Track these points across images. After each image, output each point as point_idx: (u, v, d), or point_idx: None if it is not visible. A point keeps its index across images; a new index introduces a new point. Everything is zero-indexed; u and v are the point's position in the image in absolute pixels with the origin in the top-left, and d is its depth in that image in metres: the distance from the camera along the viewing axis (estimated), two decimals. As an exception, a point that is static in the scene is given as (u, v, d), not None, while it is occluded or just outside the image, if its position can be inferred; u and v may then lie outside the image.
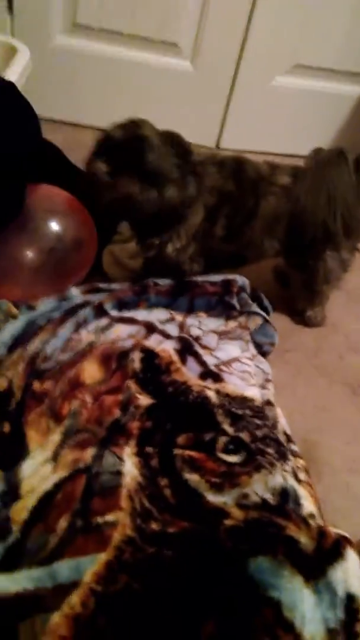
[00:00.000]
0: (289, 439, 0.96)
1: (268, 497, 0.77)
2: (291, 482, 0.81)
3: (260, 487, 0.77)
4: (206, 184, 1.08)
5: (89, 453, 0.77)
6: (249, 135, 1.90)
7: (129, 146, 0.98)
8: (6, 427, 0.83)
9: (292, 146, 1.91)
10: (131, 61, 1.70)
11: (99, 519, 0.70)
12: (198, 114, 1.83)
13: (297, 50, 1.72)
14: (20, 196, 1.02)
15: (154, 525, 0.71)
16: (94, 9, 1.59)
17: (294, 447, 0.95)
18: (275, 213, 1.12)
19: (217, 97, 1.80)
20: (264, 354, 1.14)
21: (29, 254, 1.03)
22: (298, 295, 1.28)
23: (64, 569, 0.65)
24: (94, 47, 1.67)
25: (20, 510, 0.72)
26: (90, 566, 0.65)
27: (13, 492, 0.74)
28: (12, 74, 1.22)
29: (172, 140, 1.03)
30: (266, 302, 1.20)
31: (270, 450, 0.84)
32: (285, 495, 0.79)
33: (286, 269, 1.32)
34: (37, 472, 0.76)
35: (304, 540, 0.74)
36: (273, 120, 1.88)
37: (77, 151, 1.66)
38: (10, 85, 1.10)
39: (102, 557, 0.67)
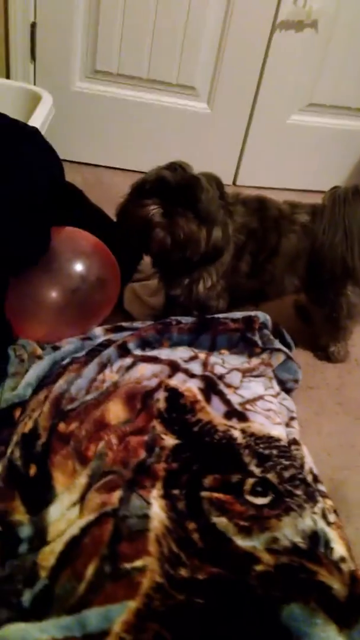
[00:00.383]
0: (316, 478, 0.94)
1: (298, 541, 0.75)
2: (321, 524, 0.80)
3: (290, 530, 0.76)
4: (237, 223, 1.11)
5: (116, 496, 0.77)
6: (265, 173, 1.93)
7: (185, 187, 1.00)
8: (32, 470, 0.83)
9: (307, 182, 1.94)
10: (149, 104, 1.75)
11: (128, 565, 0.69)
12: (215, 152, 1.87)
13: (311, 89, 1.76)
14: (45, 237, 1.04)
15: (183, 572, 0.70)
16: (112, 56, 1.65)
17: (322, 487, 0.93)
18: (295, 250, 1.14)
19: (233, 136, 1.84)
20: (287, 390, 1.13)
21: (53, 294, 1.04)
22: (321, 330, 1.28)
23: (93, 617, 0.64)
24: (113, 92, 1.73)
25: (48, 556, 0.71)
26: (119, 614, 0.64)
27: (40, 537, 0.74)
28: (37, 120, 1.27)
29: (217, 182, 1.06)
30: (288, 338, 1.20)
31: (298, 492, 0.83)
32: (316, 539, 0.77)
33: (307, 305, 1.32)
34: (64, 516, 0.76)
35: (337, 586, 0.72)
36: (289, 158, 1.91)
37: (97, 191, 1.70)
38: (35, 131, 1.14)
39: (132, 604, 0.65)
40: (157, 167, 1.05)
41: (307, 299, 1.28)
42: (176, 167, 1.02)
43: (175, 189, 1.00)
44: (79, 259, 1.07)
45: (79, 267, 1.07)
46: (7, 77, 1.63)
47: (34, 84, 1.64)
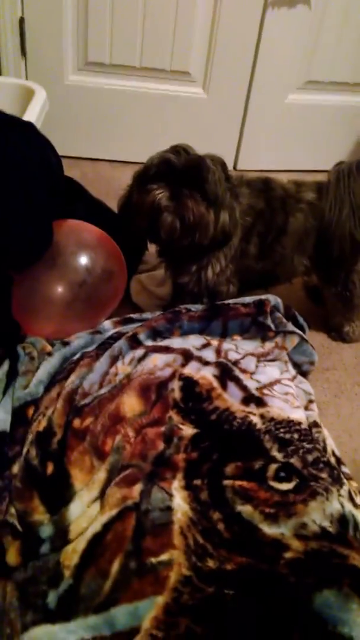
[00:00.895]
0: (339, 461, 0.92)
1: (327, 525, 0.73)
2: (349, 507, 0.77)
3: (318, 515, 0.73)
4: (243, 205, 1.08)
5: (136, 489, 0.75)
6: (265, 155, 1.90)
7: (191, 168, 0.98)
8: (50, 468, 0.81)
9: (309, 162, 1.90)
10: (144, 93, 1.72)
11: (153, 559, 0.67)
12: (214, 138, 1.83)
13: (308, 66, 1.72)
14: (47, 232, 1.02)
15: (211, 563, 0.68)
16: (104, 47, 1.62)
17: (345, 470, 0.91)
18: (304, 229, 1.12)
19: (231, 120, 1.81)
20: (303, 373, 1.11)
21: (60, 289, 1.02)
22: (334, 311, 1.25)
23: (121, 615, 0.62)
24: (107, 83, 1.70)
25: (71, 555, 0.69)
26: (148, 611, 0.62)
27: (62, 536, 0.72)
28: (31, 115, 1.24)
29: (221, 164, 1.04)
30: (301, 320, 1.17)
31: (323, 475, 0.80)
32: (345, 522, 0.75)
33: (319, 285, 1.29)
34: (85, 513, 0.74)
35: (370, 569, 0.70)
36: (289, 138, 1.87)
37: (97, 184, 1.68)
38: (30, 126, 1.12)
39: (160, 600, 0.63)
40: (159, 152, 1.02)
41: (318, 278, 1.25)
42: (179, 150, 0.99)
43: (180, 172, 0.97)
44: (84, 251, 1.05)
45: (84, 260, 1.05)
46: (-1, 74, 1.61)
47: (26, 80, 1.61)
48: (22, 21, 1.55)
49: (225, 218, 1.02)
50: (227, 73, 1.70)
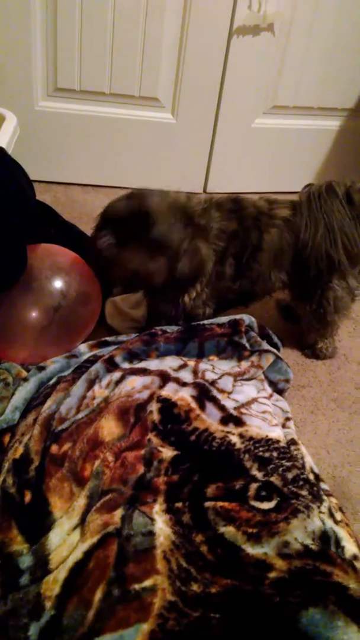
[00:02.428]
0: (318, 477, 0.92)
1: (309, 542, 0.73)
2: (329, 524, 0.78)
3: (300, 533, 0.74)
4: (213, 230, 1.09)
5: (117, 515, 0.74)
6: (234, 178, 1.93)
7: (134, 219, 0.99)
8: (27, 496, 0.79)
9: (277, 184, 1.95)
10: (114, 118, 1.74)
11: (137, 586, 0.66)
12: (184, 162, 1.86)
13: (273, 91, 1.77)
14: (21, 257, 1.01)
15: (195, 587, 0.67)
16: (73, 73, 1.64)
17: (324, 486, 0.92)
18: (279, 245, 1.13)
19: (200, 144, 1.84)
20: (279, 391, 1.12)
21: (35, 314, 1.01)
22: (308, 328, 1.27)
23: (106, 645, 0.61)
24: (77, 108, 1.71)
25: (52, 585, 0.67)
26: (133, 639, 0.61)
27: (43, 566, 0.70)
28: (2, 140, 1.24)
29: (177, 206, 1.04)
30: (275, 339, 1.19)
31: (303, 492, 0.81)
32: (326, 539, 0.75)
33: (294, 303, 1.31)
34: (66, 542, 0.72)
35: (353, 585, 0.70)
36: (257, 161, 1.92)
37: (69, 208, 1.68)
38: (1, 150, 1.12)
39: (145, 627, 0.62)
40: (118, 197, 1.03)
41: (293, 296, 1.27)
42: (131, 196, 1.00)
43: (126, 220, 0.99)
44: (58, 275, 1.05)
45: (59, 284, 1.04)
46: (-32, 100, 1.61)
47: (-5, 106, 1.61)
48: (-10, 48, 1.56)
49: (184, 265, 1.03)
50: (195, 99, 1.73)
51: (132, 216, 0.98)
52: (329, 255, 1.10)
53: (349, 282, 1.15)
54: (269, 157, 1.91)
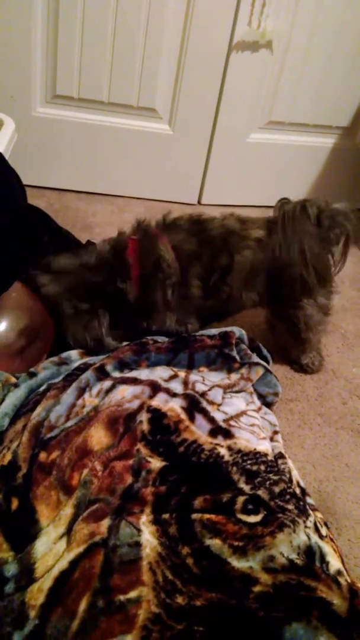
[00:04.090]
0: (304, 492, 0.93)
1: (294, 557, 0.74)
2: (315, 539, 0.78)
3: (286, 547, 0.74)
4: (163, 266, 1.09)
5: (104, 525, 0.74)
6: (229, 191, 1.95)
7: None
8: (14, 503, 0.79)
9: (270, 198, 1.94)
10: (111, 127, 1.75)
11: (122, 597, 0.66)
12: (179, 173, 1.88)
13: (270, 107, 1.80)
14: (11, 262, 1.01)
15: (180, 599, 0.67)
16: (72, 81, 1.65)
17: (310, 500, 0.92)
18: (251, 266, 1.13)
19: (196, 156, 1.86)
20: (268, 404, 1.12)
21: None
22: (287, 344, 1.28)
23: (89, 656, 0.60)
24: (75, 116, 1.72)
25: (37, 594, 0.67)
26: (117, 651, 0.61)
27: (27, 574, 0.70)
28: (-1, 145, 1.25)
29: (70, 283, 1.08)
30: (265, 352, 1.20)
31: (290, 507, 0.81)
32: (311, 554, 0.76)
33: (271, 320, 1.32)
34: (52, 550, 0.72)
35: (337, 601, 0.71)
36: (252, 175, 1.94)
37: (63, 215, 1.68)
38: (-2, 156, 1.12)
39: (129, 639, 0.62)
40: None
41: (268, 314, 1.28)
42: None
43: None
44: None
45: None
46: (-34, 104, 1.61)
47: (-7, 111, 1.62)
48: (-10, 53, 1.57)
49: (72, 336, 1.09)
50: (192, 111, 1.75)
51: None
52: (302, 277, 1.11)
53: (317, 301, 1.17)
54: (263, 172, 1.94)
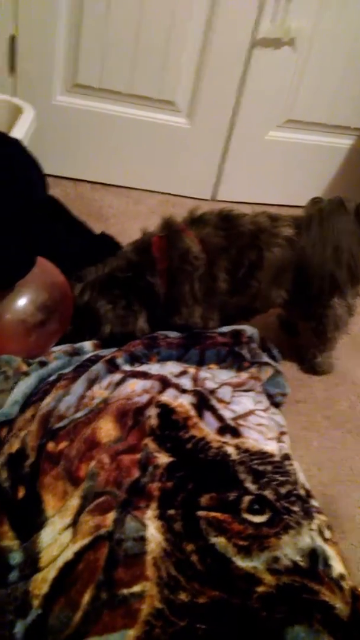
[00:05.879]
0: (308, 494, 0.92)
1: (298, 559, 0.74)
2: (319, 542, 0.78)
3: (290, 549, 0.74)
4: (189, 258, 1.09)
5: (110, 518, 0.74)
6: (244, 188, 1.94)
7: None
8: (21, 492, 0.79)
9: (286, 197, 1.95)
10: (129, 118, 1.74)
11: (125, 591, 0.66)
12: (195, 168, 1.87)
13: (289, 105, 1.78)
14: (32, 250, 1.01)
15: (183, 596, 0.67)
16: (94, 70, 1.64)
17: (315, 503, 0.92)
18: (281, 264, 1.13)
19: (213, 151, 1.84)
20: (276, 405, 1.12)
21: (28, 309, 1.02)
22: (308, 343, 1.27)
23: (91, 649, 0.61)
24: (94, 106, 1.71)
25: (41, 584, 0.67)
26: (119, 644, 0.61)
27: (32, 564, 0.70)
28: (18, 132, 1.24)
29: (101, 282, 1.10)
30: (275, 352, 1.19)
31: (295, 509, 0.81)
32: (315, 557, 0.76)
33: (294, 319, 1.32)
34: (57, 541, 0.72)
35: (339, 605, 0.71)
36: (267, 173, 1.92)
37: (78, 205, 1.68)
38: (16, 142, 1.11)
39: (131, 633, 0.62)
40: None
41: (292, 313, 1.27)
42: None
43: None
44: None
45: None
46: (-14, 89, 1.60)
47: (14, 97, 1.61)
48: (13, 39, 1.56)
49: (104, 330, 1.10)
50: (211, 106, 1.74)
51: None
52: (332, 276, 1.11)
53: (348, 301, 1.16)
54: (279, 170, 1.92)
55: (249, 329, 1.15)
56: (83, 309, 1.08)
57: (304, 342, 1.29)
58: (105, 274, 1.10)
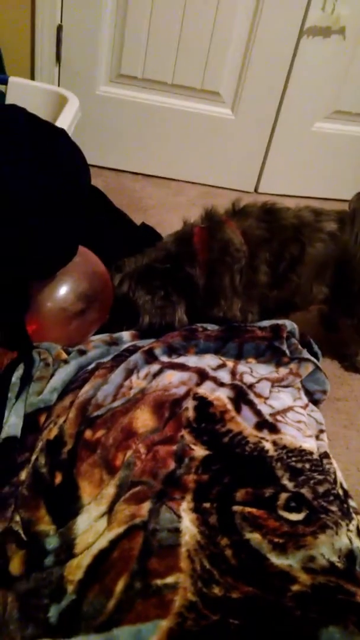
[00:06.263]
0: (346, 494, 0.91)
1: (335, 560, 0.72)
2: (357, 543, 0.76)
3: (327, 549, 0.72)
4: (231, 249, 1.07)
5: (145, 508, 0.74)
6: (287, 180, 1.91)
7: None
8: (58, 478, 0.80)
9: (330, 191, 1.91)
10: (173, 109, 1.73)
11: (159, 581, 0.66)
12: (238, 159, 1.85)
13: (336, 96, 1.74)
14: (76, 238, 1.02)
15: (217, 590, 0.67)
16: (138, 60, 1.64)
17: (353, 503, 0.90)
18: (323, 259, 1.11)
19: (257, 143, 1.82)
20: (315, 402, 1.10)
21: (70, 297, 1.03)
22: (349, 340, 1.25)
23: (124, 637, 0.61)
24: (138, 96, 1.71)
25: (75, 570, 0.68)
26: (151, 635, 0.61)
27: (68, 550, 0.71)
28: (63, 122, 1.25)
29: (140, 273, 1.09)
30: (316, 348, 1.17)
31: (333, 508, 0.79)
32: (352, 558, 0.74)
33: (334, 315, 1.29)
34: (92, 528, 0.73)
35: (376, 609, 0.69)
36: (313, 165, 1.88)
37: (119, 195, 1.68)
38: (63, 132, 1.12)
39: (164, 624, 0.62)
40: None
41: (333, 310, 1.24)
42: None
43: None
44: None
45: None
46: (32, 78, 1.62)
47: (58, 87, 1.63)
48: (60, 28, 1.57)
49: (144, 321, 1.09)
50: (256, 97, 1.71)
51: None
52: None
53: None
54: (325, 163, 1.88)
55: (288, 324, 1.13)
56: (122, 299, 1.08)
57: (344, 338, 1.25)
58: (144, 265, 1.09)
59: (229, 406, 0.90)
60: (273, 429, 0.88)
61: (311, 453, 0.88)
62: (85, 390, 0.92)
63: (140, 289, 1.08)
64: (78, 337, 1.06)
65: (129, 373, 0.95)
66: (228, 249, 1.07)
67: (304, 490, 0.80)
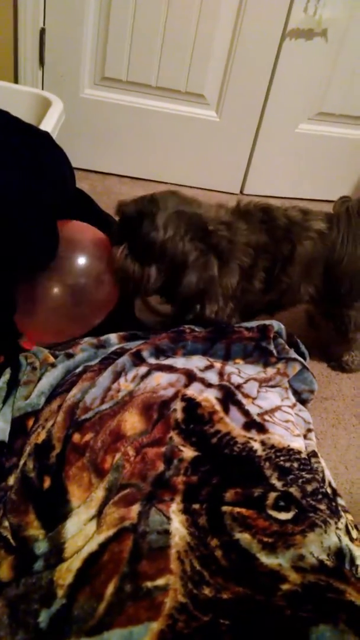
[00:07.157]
0: (335, 492, 0.91)
1: (324, 558, 0.72)
2: (345, 541, 0.77)
3: (316, 547, 0.73)
4: (239, 245, 1.05)
5: (134, 510, 0.74)
6: (272, 181, 1.92)
7: (130, 220, 0.99)
8: (46, 482, 0.80)
9: (315, 192, 1.93)
10: (157, 112, 1.74)
11: (149, 584, 0.66)
12: (223, 161, 1.85)
13: (320, 98, 1.75)
14: (57, 237, 1.02)
15: (207, 591, 0.67)
16: (122, 63, 1.64)
17: (342, 502, 0.91)
18: (311, 257, 1.11)
19: (241, 144, 1.83)
20: (303, 402, 1.10)
21: (57, 291, 1.02)
22: (331, 341, 1.25)
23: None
24: (122, 99, 1.71)
25: (65, 574, 0.68)
26: (142, 637, 0.61)
27: (57, 554, 0.70)
28: (47, 125, 1.25)
29: (189, 217, 1.01)
30: (303, 348, 1.18)
31: (322, 507, 0.80)
32: (341, 556, 0.74)
33: (317, 317, 1.30)
34: (82, 532, 0.72)
35: (365, 605, 0.69)
36: (297, 167, 1.90)
37: (105, 198, 1.68)
38: (47, 135, 1.12)
39: (155, 626, 0.62)
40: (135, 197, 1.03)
41: (316, 311, 1.25)
42: (144, 199, 0.99)
43: (126, 221, 0.99)
44: (79, 253, 1.05)
45: (79, 260, 1.04)
46: (16, 82, 1.62)
47: (42, 90, 1.62)
48: (42, 32, 1.57)
49: (190, 280, 1.01)
50: (240, 99, 1.72)
51: (137, 218, 0.97)
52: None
53: None
54: (309, 164, 1.90)
55: (275, 324, 1.13)
56: (160, 248, 0.98)
57: (326, 338, 1.26)
58: (198, 218, 1.02)
59: (217, 407, 0.90)
60: (261, 428, 0.89)
61: (299, 452, 0.88)
62: (73, 393, 0.91)
63: (188, 241, 0.99)
64: (80, 328, 1.06)
65: (116, 376, 0.95)
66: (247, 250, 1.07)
67: (293, 490, 0.80)
